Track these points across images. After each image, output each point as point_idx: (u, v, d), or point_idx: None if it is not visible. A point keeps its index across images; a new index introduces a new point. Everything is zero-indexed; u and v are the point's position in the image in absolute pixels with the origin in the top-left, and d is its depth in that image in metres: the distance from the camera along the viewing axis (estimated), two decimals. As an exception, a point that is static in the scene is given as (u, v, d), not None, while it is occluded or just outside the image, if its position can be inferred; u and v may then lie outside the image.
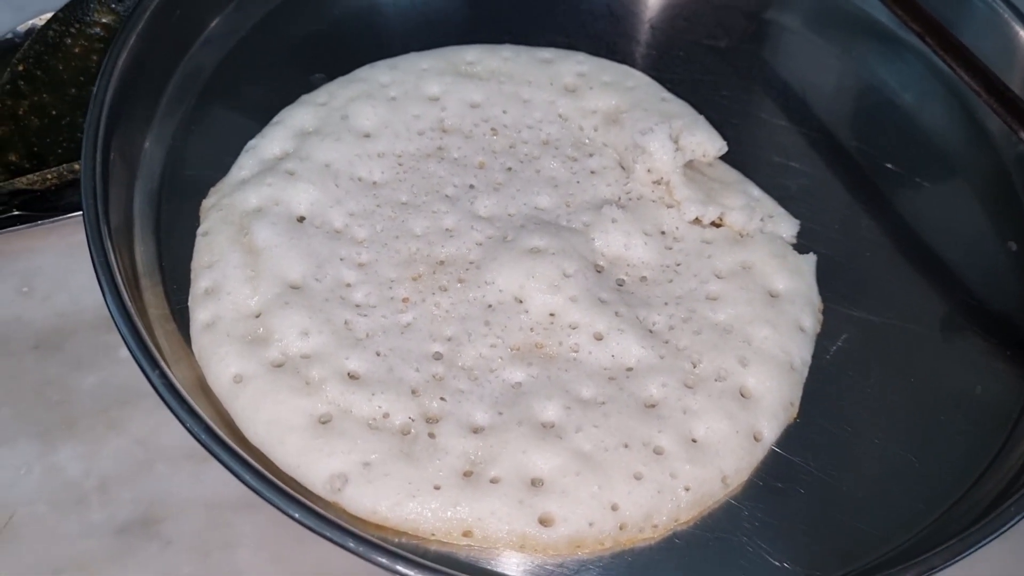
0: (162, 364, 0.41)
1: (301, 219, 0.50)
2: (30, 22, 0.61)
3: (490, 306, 0.48)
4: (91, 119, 0.48)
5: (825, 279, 0.51)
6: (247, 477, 0.38)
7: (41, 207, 0.55)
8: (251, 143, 0.53)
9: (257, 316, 0.46)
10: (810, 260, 0.51)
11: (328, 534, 0.37)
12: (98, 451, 0.50)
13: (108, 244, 0.44)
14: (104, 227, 0.45)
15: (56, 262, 0.56)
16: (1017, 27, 0.57)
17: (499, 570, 0.41)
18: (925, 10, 0.53)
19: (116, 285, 0.42)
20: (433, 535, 0.41)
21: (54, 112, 0.59)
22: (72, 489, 0.49)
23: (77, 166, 0.56)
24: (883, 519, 0.44)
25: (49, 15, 0.61)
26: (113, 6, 0.62)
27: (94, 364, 0.52)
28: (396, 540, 0.41)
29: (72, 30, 0.61)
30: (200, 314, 0.47)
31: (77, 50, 0.61)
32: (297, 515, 0.37)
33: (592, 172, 0.53)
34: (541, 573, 0.41)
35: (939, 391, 0.48)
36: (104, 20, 0.61)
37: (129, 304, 0.42)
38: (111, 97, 0.49)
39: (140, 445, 0.50)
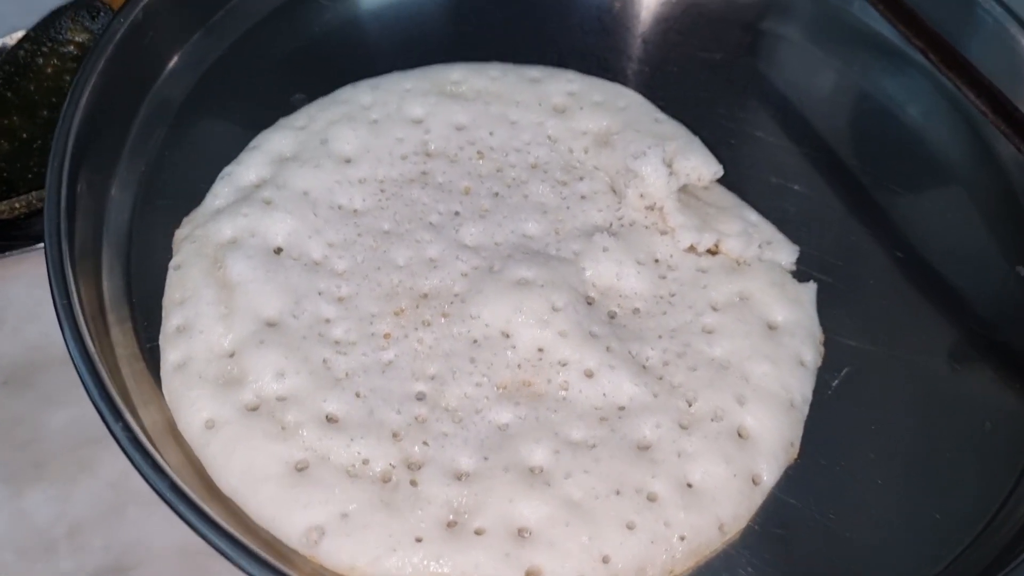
0: (125, 414, 0.39)
1: (278, 250, 0.48)
2: (0, 41, 0.59)
3: (476, 341, 0.46)
4: (56, 148, 0.46)
5: (826, 308, 0.49)
6: (217, 540, 0.36)
7: (10, 236, 0.53)
8: (227, 170, 0.51)
9: (231, 356, 0.44)
10: (810, 289, 0.49)
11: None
12: (68, 494, 0.48)
13: (72, 284, 0.42)
14: (68, 266, 0.43)
15: (27, 293, 0.54)
16: (1025, 41, 0.54)
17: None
18: (928, 25, 0.51)
19: (79, 330, 0.40)
20: (415, 590, 0.39)
21: (25, 135, 0.57)
22: (40, 536, 0.47)
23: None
24: (888, 567, 0.42)
25: (20, 34, 0.59)
26: (87, 24, 0.59)
27: (65, 400, 0.50)
28: (375, 596, 0.39)
29: (44, 49, 0.59)
30: (171, 354, 0.45)
31: (49, 70, 0.59)
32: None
33: (583, 197, 0.51)
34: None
35: (946, 427, 0.46)
36: (78, 39, 0.59)
37: (92, 350, 0.40)
38: (78, 124, 0.47)
39: (112, 488, 0.48)
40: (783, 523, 0.43)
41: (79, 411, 0.50)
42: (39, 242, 0.53)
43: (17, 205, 0.52)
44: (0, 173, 0.55)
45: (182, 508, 0.37)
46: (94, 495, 0.48)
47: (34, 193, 0.53)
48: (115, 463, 0.48)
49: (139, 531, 0.47)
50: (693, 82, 0.57)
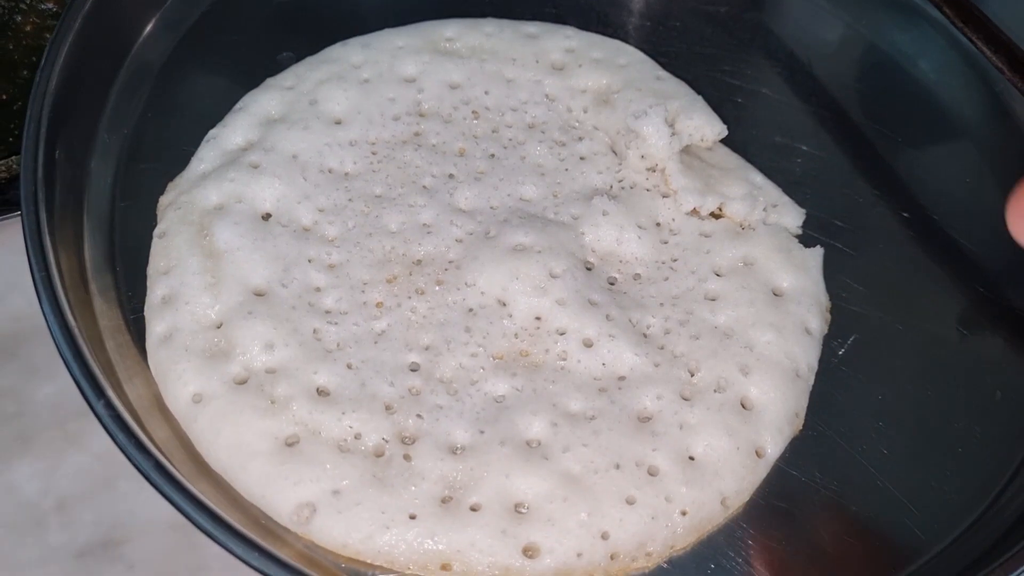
0: (107, 390, 0.37)
1: (266, 217, 0.46)
2: (-24, -1, 0.57)
3: (471, 310, 0.44)
4: (32, 113, 0.44)
5: (833, 274, 0.47)
6: (203, 523, 0.35)
7: (-9, 202, 0.52)
8: (212, 132, 0.49)
9: (218, 327, 0.43)
10: (817, 254, 0.47)
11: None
12: (56, 468, 0.47)
13: (50, 255, 0.40)
14: (46, 235, 0.41)
15: (8, 260, 0.52)
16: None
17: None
18: (944, -24, 0.49)
19: (58, 303, 0.39)
20: (409, 569, 0.38)
21: (4, 96, 0.55)
22: (29, 510, 0.46)
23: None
24: (895, 541, 0.41)
25: (-4, -9, 0.57)
26: (65, -21, 0.57)
27: (51, 372, 0.49)
28: (368, 574, 0.38)
29: (23, 6, 0.57)
30: (156, 326, 0.43)
31: (28, 28, 0.57)
32: (256, 563, 0.34)
33: (582, 158, 0.49)
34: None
35: (955, 397, 0.44)
36: (56, -6, 0.57)
37: (72, 324, 0.38)
38: (55, 88, 0.45)
39: (100, 461, 0.47)
40: (788, 496, 0.42)
41: (65, 383, 0.48)
42: (19, 208, 0.51)
43: (-3, 169, 0.51)
44: (-21, 136, 0.53)
45: (167, 489, 0.35)
46: (83, 469, 0.47)
47: (14, 157, 0.52)
48: (103, 436, 0.47)
49: (129, 505, 0.46)
50: (696, 37, 0.55)
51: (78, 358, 0.38)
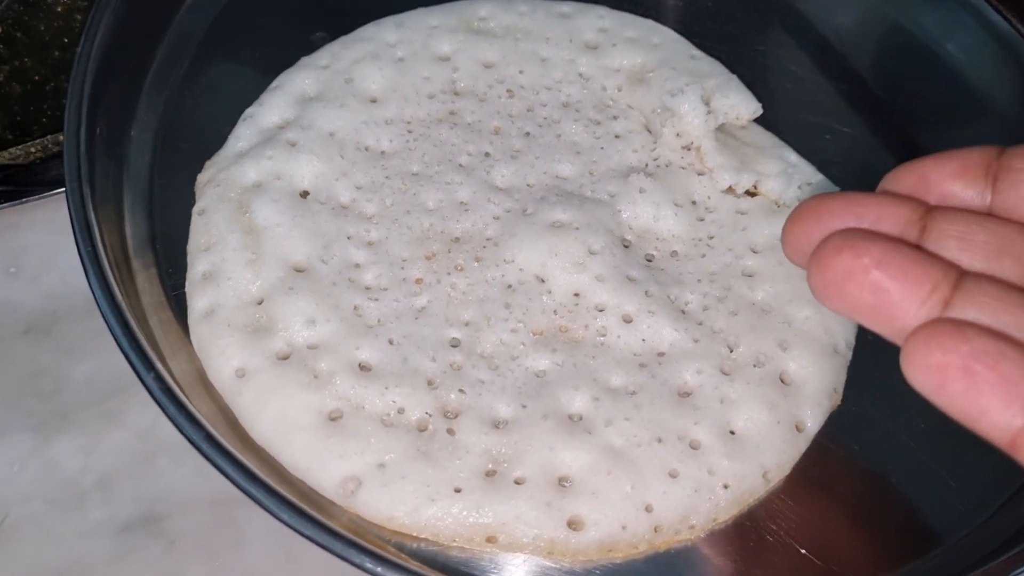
0: (157, 364, 0.37)
1: (304, 194, 0.46)
2: (7, -21, 0.57)
3: (510, 287, 0.44)
4: (73, 90, 0.44)
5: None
6: (255, 491, 0.35)
7: (26, 182, 0.52)
8: (248, 111, 0.49)
9: (259, 303, 0.43)
10: (853, 231, 0.47)
11: (346, 554, 0.34)
12: (96, 445, 0.47)
13: (96, 230, 0.41)
14: (91, 211, 0.41)
15: (44, 240, 0.52)
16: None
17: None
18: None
19: (105, 278, 0.39)
20: (454, 541, 0.39)
21: (37, 78, 0.55)
22: (70, 486, 0.46)
23: (63, 137, 0.52)
24: (934, 514, 0.41)
25: (26, -29, 0.57)
26: (95, -41, 0.57)
27: (87, 350, 0.49)
28: (414, 546, 0.39)
29: (53, -14, 0.57)
30: (198, 301, 0.43)
31: (60, 8, 0.57)
32: (308, 532, 0.34)
33: (617, 136, 0.49)
34: (569, 580, 0.39)
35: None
36: (86, -25, 0.57)
37: (120, 298, 0.39)
38: (95, 65, 0.45)
39: (140, 439, 0.47)
40: (827, 470, 0.42)
41: (101, 361, 0.49)
42: (54, 188, 0.52)
43: (32, 150, 0.51)
44: (13, 117, 0.53)
45: (219, 459, 0.36)
46: (122, 446, 0.47)
47: (49, 137, 0.52)
48: (142, 414, 0.48)
49: (169, 482, 0.46)
50: (729, 17, 0.55)
51: (127, 332, 0.38)
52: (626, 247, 0.46)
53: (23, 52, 0.55)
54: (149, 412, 0.47)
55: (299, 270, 0.44)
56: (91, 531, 0.45)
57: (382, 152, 0.48)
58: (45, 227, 0.52)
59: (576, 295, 0.44)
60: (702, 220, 0.47)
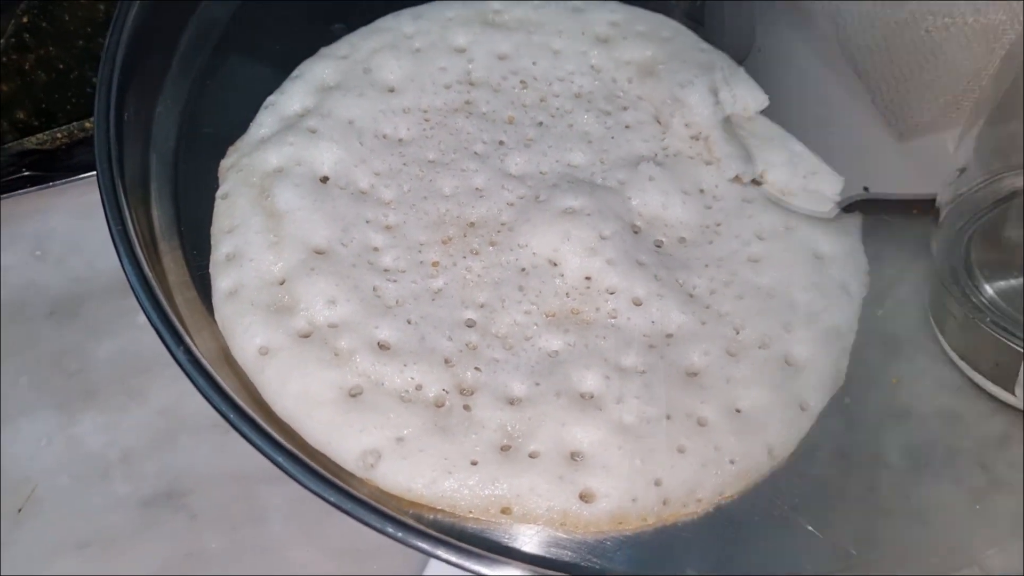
0: (186, 338, 0.39)
1: (325, 179, 0.48)
2: (31, -30, 0.58)
3: (524, 270, 0.46)
4: (103, 76, 0.46)
5: (871, 239, 0.48)
6: (281, 460, 0.36)
7: (52, 167, 0.53)
8: (270, 99, 0.51)
9: (281, 283, 0.44)
10: (856, 219, 0.49)
11: (369, 520, 0.36)
12: (119, 422, 0.48)
13: (126, 211, 0.42)
14: (121, 193, 0.43)
15: (69, 224, 0.54)
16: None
17: (531, 550, 0.40)
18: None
19: (136, 256, 0.40)
20: (470, 513, 0.40)
21: (62, 66, 0.56)
22: (95, 461, 0.47)
23: (88, 123, 0.54)
24: (936, 494, 0.42)
25: (50, -38, 0.58)
26: (118, -49, 0.59)
27: (111, 331, 0.51)
28: (431, 517, 0.40)
29: (77, -22, 0.59)
30: (222, 282, 0.45)
31: (83, -1, 0.58)
32: (333, 499, 0.36)
33: (627, 127, 0.51)
34: (580, 549, 0.40)
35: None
36: (109, -35, 0.59)
37: (150, 276, 0.40)
38: (123, 53, 0.47)
39: (162, 416, 0.48)
40: (831, 448, 0.43)
41: (125, 341, 0.51)
42: (79, 173, 0.53)
43: (59, 135, 0.52)
44: (39, 104, 0.55)
45: (246, 429, 0.37)
46: (145, 423, 0.48)
47: (75, 124, 0.53)
48: (164, 392, 0.49)
49: (191, 458, 0.48)
50: (736, 10, 0.57)
51: (157, 308, 0.39)
52: (636, 233, 0.47)
53: (48, 41, 0.56)
54: (171, 391, 0.49)
55: (319, 252, 0.45)
56: (115, 505, 0.46)
57: (400, 140, 0.50)
58: (70, 211, 0.54)
59: (587, 279, 0.46)
60: (709, 208, 0.49)
